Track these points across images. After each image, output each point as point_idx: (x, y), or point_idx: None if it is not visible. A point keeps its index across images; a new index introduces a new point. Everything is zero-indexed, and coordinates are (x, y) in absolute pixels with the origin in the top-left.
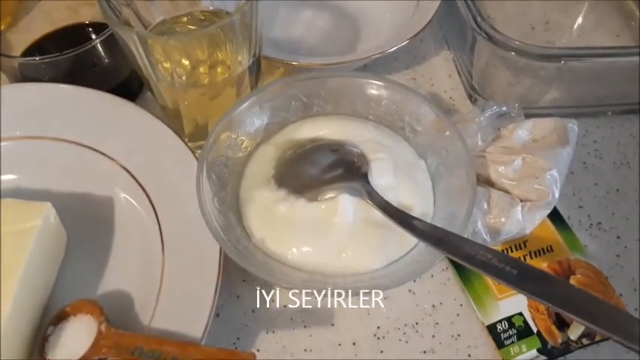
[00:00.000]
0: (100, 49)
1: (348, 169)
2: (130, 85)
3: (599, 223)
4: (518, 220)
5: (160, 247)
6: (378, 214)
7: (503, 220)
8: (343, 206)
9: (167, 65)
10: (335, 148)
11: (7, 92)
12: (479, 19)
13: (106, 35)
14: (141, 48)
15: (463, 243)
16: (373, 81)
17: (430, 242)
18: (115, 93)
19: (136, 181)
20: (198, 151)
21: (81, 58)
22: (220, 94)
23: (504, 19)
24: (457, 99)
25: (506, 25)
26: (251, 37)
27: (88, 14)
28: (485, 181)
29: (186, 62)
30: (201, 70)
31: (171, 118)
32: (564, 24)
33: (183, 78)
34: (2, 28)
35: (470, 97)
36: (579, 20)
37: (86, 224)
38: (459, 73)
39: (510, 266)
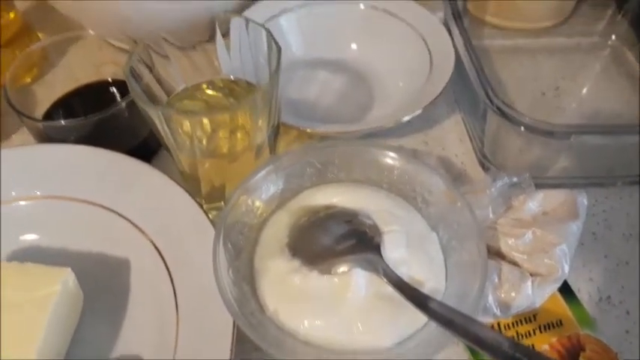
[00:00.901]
0: (123, 111)
1: (361, 240)
2: (148, 144)
3: (609, 297)
4: (528, 294)
5: (175, 312)
6: (391, 289)
7: (513, 294)
8: (356, 282)
9: (187, 130)
10: (348, 218)
11: (31, 152)
12: (490, 92)
13: (130, 99)
14: (164, 122)
15: (474, 326)
16: (386, 151)
17: (441, 323)
18: (134, 151)
19: (153, 244)
20: (213, 212)
21: (104, 120)
22: (239, 158)
23: (515, 84)
24: (468, 164)
25: (517, 89)
26: (271, 106)
27: (111, 72)
28: (496, 254)
29: (206, 132)
30: (221, 135)
31: (188, 180)
32: (574, 89)
33: (204, 142)
34: (29, 80)
35: (481, 163)
36: (589, 86)
37: (102, 285)
38: (470, 138)
39: (521, 353)
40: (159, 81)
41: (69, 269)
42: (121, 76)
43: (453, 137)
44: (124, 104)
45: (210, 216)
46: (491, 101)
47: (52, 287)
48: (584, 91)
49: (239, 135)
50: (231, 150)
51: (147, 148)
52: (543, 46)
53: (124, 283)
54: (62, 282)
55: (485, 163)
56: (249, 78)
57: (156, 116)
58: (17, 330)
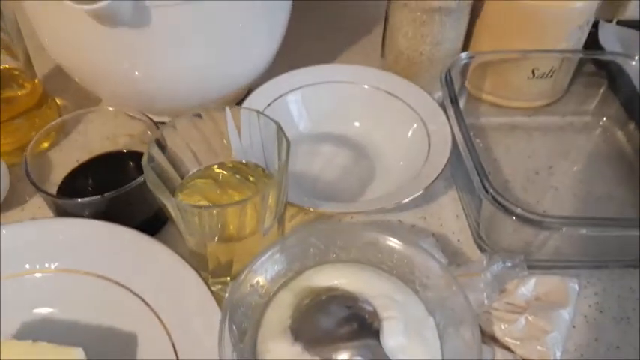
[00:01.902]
0: (138, 187)
1: (361, 325)
2: (159, 217)
3: None
4: None
5: None
6: None
7: None
8: None
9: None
10: (349, 303)
11: (47, 226)
12: (485, 182)
13: (143, 178)
14: (179, 211)
15: None
16: (386, 235)
17: None
18: (145, 223)
19: (160, 321)
20: (218, 285)
21: (119, 196)
22: (247, 239)
23: (510, 162)
24: (464, 241)
25: (512, 167)
26: (280, 194)
27: (126, 143)
28: (491, 338)
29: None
30: (230, 222)
31: (195, 256)
32: (567, 169)
33: (213, 228)
34: (46, 146)
35: (476, 242)
36: (582, 166)
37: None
38: (466, 215)
39: None
40: (172, 161)
41: (80, 349)
42: (134, 147)
43: (450, 214)
44: (139, 181)
45: (214, 288)
46: (486, 190)
47: None
48: (577, 170)
49: (248, 220)
50: (239, 233)
51: (157, 220)
52: (538, 125)
53: (131, 357)
54: None
55: (480, 243)
56: (257, 160)
57: (171, 206)
58: None
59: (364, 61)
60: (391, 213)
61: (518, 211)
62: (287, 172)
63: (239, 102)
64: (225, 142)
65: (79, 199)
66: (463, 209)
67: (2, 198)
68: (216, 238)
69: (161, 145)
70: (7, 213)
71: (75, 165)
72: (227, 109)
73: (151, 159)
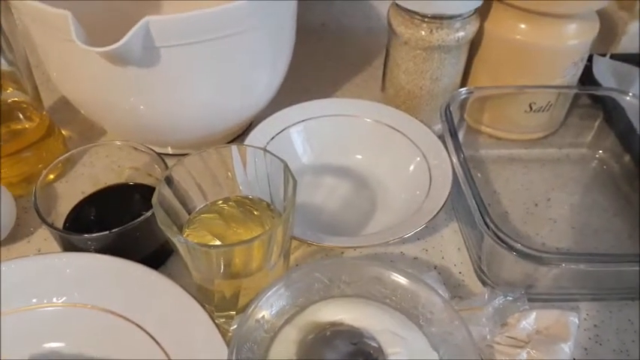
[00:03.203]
0: (145, 222)
1: None
2: (164, 250)
3: None
4: None
5: None
6: None
7: None
8: None
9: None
10: (354, 340)
11: (54, 261)
12: (487, 218)
13: (151, 212)
14: (187, 249)
15: None
16: (390, 271)
17: None
18: (151, 256)
19: (166, 354)
20: (221, 319)
21: (126, 231)
22: (253, 275)
23: (509, 194)
24: (466, 273)
25: (511, 199)
26: (286, 231)
27: (131, 175)
28: None
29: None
30: (237, 260)
31: (201, 290)
32: (565, 201)
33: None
34: (51, 177)
35: (478, 275)
36: (579, 198)
37: None
38: (467, 248)
39: None
40: (179, 197)
41: None
42: (139, 179)
43: (451, 246)
44: (146, 216)
45: (218, 321)
46: (487, 226)
47: None
48: (574, 202)
49: (254, 256)
50: (246, 269)
51: (163, 252)
52: (535, 157)
53: None
54: None
55: (482, 276)
56: (261, 194)
57: (180, 245)
58: None
59: (364, 94)
60: (393, 245)
61: (519, 246)
62: (294, 209)
63: (242, 133)
64: (230, 176)
65: (87, 235)
66: (464, 242)
67: (8, 230)
68: (223, 274)
69: (169, 182)
70: (14, 245)
71: (80, 196)
72: (233, 147)
73: (161, 196)
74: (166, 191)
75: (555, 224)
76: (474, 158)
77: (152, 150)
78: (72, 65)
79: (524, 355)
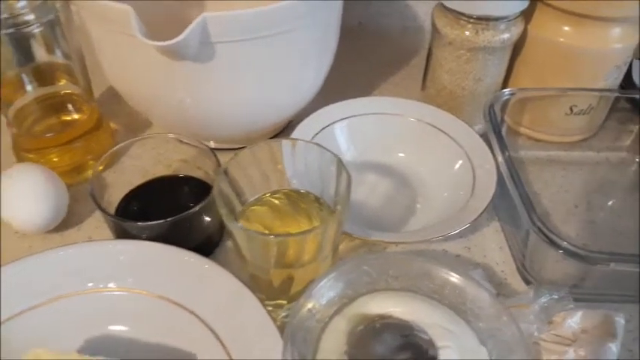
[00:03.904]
0: (196, 213)
1: (416, 353)
2: (212, 239)
3: None
4: None
5: None
6: None
7: None
8: None
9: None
10: (405, 332)
11: (110, 247)
12: (534, 216)
13: (205, 203)
14: (245, 238)
15: None
16: (439, 266)
17: None
18: (199, 245)
19: (221, 342)
20: (269, 307)
21: (178, 221)
22: (305, 266)
23: (549, 195)
24: (508, 273)
25: (551, 201)
26: (339, 226)
27: (180, 168)
28: None
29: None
30: (292, 252)
31: (253, 279)
32: (605, 204)
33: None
34: (101, 168)
35: (521, 273)
36: (618, 201)
37: None
38: (509, 247)
39: None
40: (234, 189)
41: None
42: (188, 172)
43: (493, 245)
44: (200, 207)
45: (268, 308)
46: (534, 224)
47: None
48: (614, 205)
49: (307, 248)
50: (299, 260)
51: (211, 242)
52: (574, 160)
53: None
54: None
55: (525, 274)
56: (309, 187)
57: (238, 233)
58: None
59: (402, 93)
60: (436, 243)
61: (567, 245)
62: (348, 204)
63: (280, 131)
64: (279, 169)
65: (144, 223)
66: (506, 241)
67: (62, 218)
68: (278, 263)
69: (226, 174)
70: (66, 232)
71: (129, 187)
72: (284, 141)
73: (219, 188)
74: (223, 183)
75: (595, 226)
76: (513, 159)
77: (203, 144)
78: (126, 58)
79: (571, 353)
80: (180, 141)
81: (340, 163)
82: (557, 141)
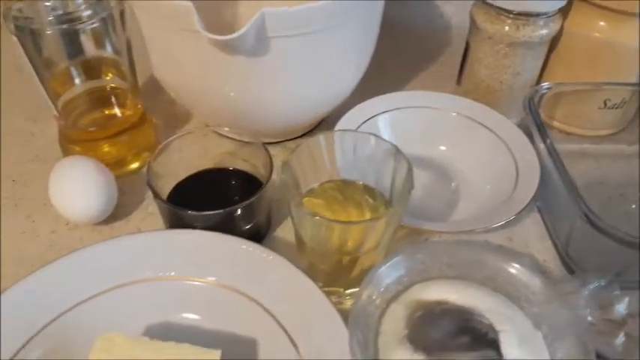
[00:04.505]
0: (248, 205)
1: (477, 337)
2: (260, 230)
3: None
4: None
5: None
6: None
7: None
8: None
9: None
10: (465, 316)
11: (168, 237)
12: (583, 206)
13: (258, 195)
14: (310, 225)
15: None
16: (491, 255)
17: None
18: (249, 237)
19: (283, 329)
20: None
21: (232, 211)
22: (365, 255)
23: (583, 188)
24: (550, 262)
25: (585, 193)
26: (399, 218)
27: (225, 161)
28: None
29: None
30: (350, 242)
31: (311, 266)
32: (637, 195)
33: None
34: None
35: (563, 262)
36: None
37: None
38: (550, 236)
39: None
40: (295, 181)
41: (219, 351)
42: (235, 165)
43: (534, 235)
44: (253, 199)
45: None
46: (583, 213)
47: None
48: None
49: (369, 237)
50: (359, 249)
51: (259, 233)
52: (607, 153)
53: None
54: None
55: (569, 263)
56: (358, 178)
57: (306, 220)
58: None
59: (438, 87)
60: (478, 233)
61: (616, 232)
62: (409, 196)
63: (315, 127)
64: (331, 161)
65: (200, 213)
66: (547, 231)
67: (112, 209)
68: (339, 251)
69: (288, 166)
70: (115, 223)
71: (175, 180)
72: (337, 133)
73: (282, 180)
74: (286, 175)
75: (631, 218)
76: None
77: (256, 138)
78: (179, 51)
79: (623, 336)
80: (225, 136)
81: (399, 153)
82: (589, 135)
